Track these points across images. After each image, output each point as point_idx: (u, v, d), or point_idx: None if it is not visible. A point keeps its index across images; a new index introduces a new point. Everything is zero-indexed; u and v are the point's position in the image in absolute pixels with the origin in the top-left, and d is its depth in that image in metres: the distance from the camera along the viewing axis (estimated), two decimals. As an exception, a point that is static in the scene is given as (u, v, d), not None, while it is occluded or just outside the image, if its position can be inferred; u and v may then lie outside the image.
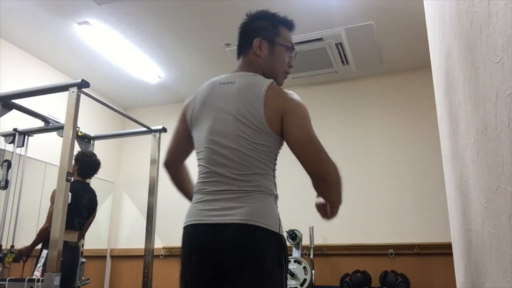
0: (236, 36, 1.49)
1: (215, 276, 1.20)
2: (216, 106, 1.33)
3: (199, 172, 1.35)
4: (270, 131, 1.26)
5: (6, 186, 2.71)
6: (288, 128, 1.26)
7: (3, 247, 2.68)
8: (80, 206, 2.99)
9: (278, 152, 1.34)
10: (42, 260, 2.61)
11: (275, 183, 1.32)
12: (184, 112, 1.46)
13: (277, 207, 1.28)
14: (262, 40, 1.40)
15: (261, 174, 1.26)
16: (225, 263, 1.19)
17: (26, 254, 2.80)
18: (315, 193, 1.32)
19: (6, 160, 2.74)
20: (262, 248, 1.18)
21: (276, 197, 1.29)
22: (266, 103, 1.26)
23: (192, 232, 1.27)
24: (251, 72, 1.38)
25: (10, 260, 2.66)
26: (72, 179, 2.28)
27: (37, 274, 2.58)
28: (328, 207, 1.34)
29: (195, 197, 1.31)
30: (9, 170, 2.74)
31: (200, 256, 1.23)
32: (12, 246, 2.72)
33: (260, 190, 1.24)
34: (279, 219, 1.26)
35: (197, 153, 1.38)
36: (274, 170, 1.33)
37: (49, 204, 2.96)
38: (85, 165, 3.06)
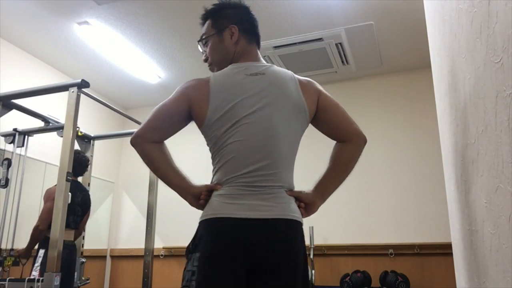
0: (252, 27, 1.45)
1: (254, 270, 1.16)
2: (252, 99, 1.27)
3: (222, 167, 1.25)
4: (309, 118, 1.33)
5: (6, 184, 2.71)
6: (326, 101, 1.37)
7: (3, 249, 2.67)
8: (74, 205, 2.99)
9: None
10: (39, 260, 2.60)
11: None
12: (192, 102, 1.29)
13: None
14: None
15: (290, 170, 1.29)
16: (269, 256, 1.17)
17: (25, 257, 2.78)
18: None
19: (6, 159, 2.74)
20: (299, 240, 1.23)
21: None
22: (303, 90, 1.33)
23: (222, 224, 1.18)
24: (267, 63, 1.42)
25: (9, 263, 2.66)
26: None
27: (35, 274, 2.57)
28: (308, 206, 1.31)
29: (219, 192, 1.23)
30: (10, 169, 2.74)
31: (237, 250, 1.15)
32: (12, 249, 2.71)
33: (288, 187, 1.26)
34: None
35: (220, 147, 1.26)
36: None
37: (48, 204, 2.96)
38: (74, 162, 3.08)
